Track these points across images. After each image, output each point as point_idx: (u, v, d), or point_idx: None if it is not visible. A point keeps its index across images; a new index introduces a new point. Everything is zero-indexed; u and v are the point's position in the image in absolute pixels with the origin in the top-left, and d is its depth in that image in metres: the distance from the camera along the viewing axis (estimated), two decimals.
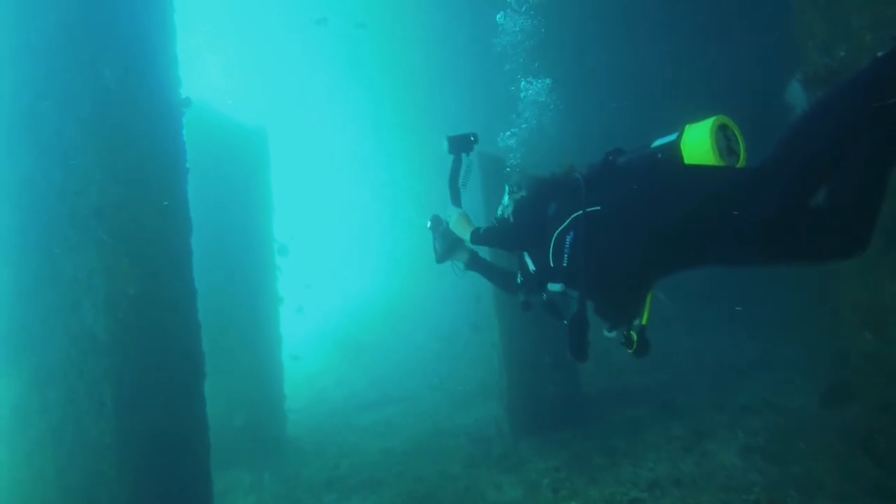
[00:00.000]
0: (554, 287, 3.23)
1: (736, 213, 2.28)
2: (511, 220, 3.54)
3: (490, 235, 3.53)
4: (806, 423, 5.20)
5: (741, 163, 2.53)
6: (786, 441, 4.90)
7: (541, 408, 7.08)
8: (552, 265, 3.12)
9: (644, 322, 2.96)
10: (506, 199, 3.64)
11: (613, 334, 3.02)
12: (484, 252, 4.09)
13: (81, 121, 4.18)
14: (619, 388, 7.78)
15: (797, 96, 5.14)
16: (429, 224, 3.92)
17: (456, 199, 3.71)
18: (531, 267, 3.36)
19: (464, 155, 3.66)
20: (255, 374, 7.90)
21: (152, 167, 4.66)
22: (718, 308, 8.94)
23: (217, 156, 7.30)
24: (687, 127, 2.62)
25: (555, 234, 3.04)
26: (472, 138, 3.61)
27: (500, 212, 3.70)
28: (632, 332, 2.95)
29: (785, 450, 4.77)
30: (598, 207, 2.84)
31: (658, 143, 2.75)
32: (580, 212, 2.87)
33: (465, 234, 3.63)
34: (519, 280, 3.59)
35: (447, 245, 3.81)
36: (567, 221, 2.98)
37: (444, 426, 7.96)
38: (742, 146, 2.56)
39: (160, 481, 4.42)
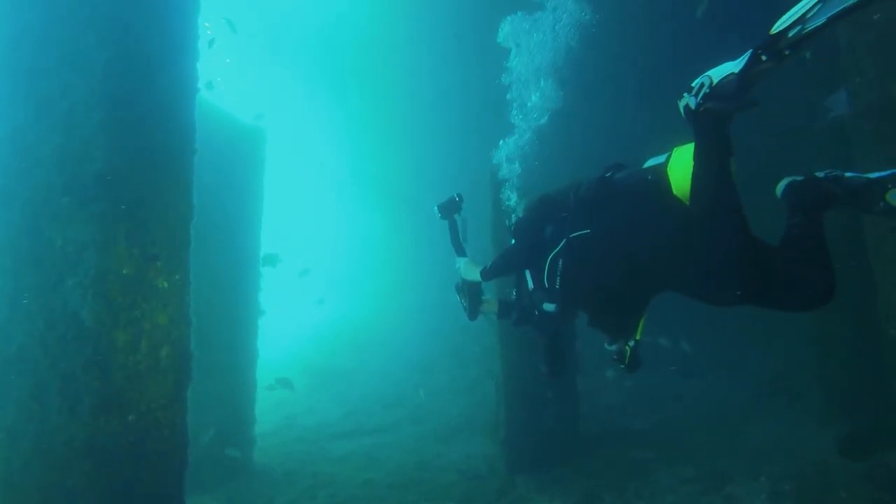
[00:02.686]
0: (548, 307, 3.36)
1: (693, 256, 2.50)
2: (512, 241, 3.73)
3: (495, 268, 3.71)
4: (829, 469, 4.97)
5: None
6: (817, 488, 4.64)
7: (539, 444, 6.67)
8: (546, 286, 3.26)
9: (638, 338, 3.11)
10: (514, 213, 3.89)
11: (613, 347, 3.19)
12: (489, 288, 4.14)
13: (93, 78, 3.72)
14: (617, 429, 7.46)
15: (841, 105, 5.17)
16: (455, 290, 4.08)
17: (460, 251, 3.94)
18: (530, 284, 3.49)
19: (456, 214, 3.94)
20: (228, 388, 7.22)
21: (162, 141, 4.21)
22: (711, 351, 8.83)
23: (209, 149, 6.84)
24: (675, 150, 2.69)
25: (549, 257, 3.19)
26: (457, 198, 3.91)
27: (508, 224, 3.91)
28: (626, 347, 3.11)
29: (821, 497, 4.50)
30: (588, 231, 2.99)
31: (650, 163, 2.86)
32: (571, 236, 3.05)
33: (475, 276, 3.80)
34: (514, 295, 3.78)
35: (473, 300, 3.91)
36: (560, 245, 3.13)
37: (430, 460, 7.40)
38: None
39: (131, 500, 3.78)
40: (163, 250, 4.21)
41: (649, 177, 2.77)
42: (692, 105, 2.40)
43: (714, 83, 2.32)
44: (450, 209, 3.94)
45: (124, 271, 3.82)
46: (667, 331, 8.58)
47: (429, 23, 13.29)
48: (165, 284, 4.26)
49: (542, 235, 3.33)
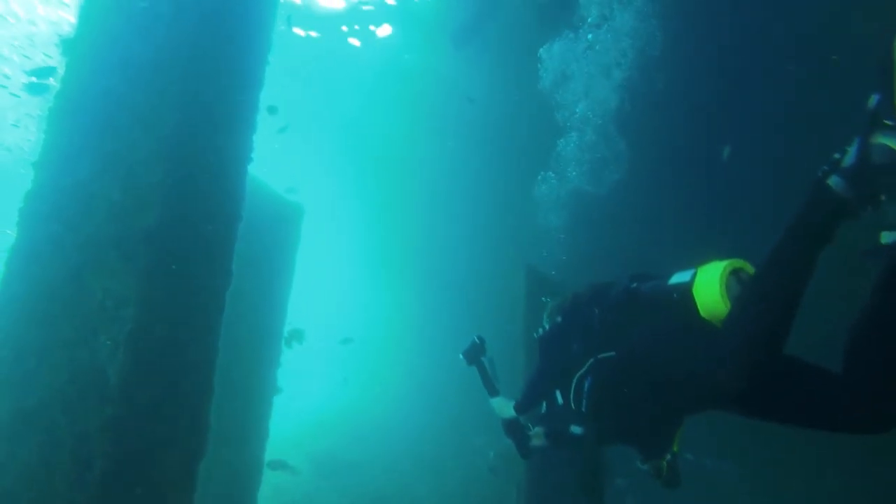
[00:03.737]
0: (576, 430, 3.35)
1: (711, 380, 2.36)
2: (539, 353, 3.66)
3: (526, 399, 3.66)
4: None
5: None
6: None
7: None
8: (573, 407, 3.20)
9: (675, 450, 3.00)
10: (544, 325, 3.75)
11: (646, 466, 3.05)
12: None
13: (159, 140, 3.83)
14: None
15: None
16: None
17: (493, 392, 3.92)
18: (559, 400, 3.43)
19: (482, 357, 3.95)
20: (233, 468, 6.79)
21: (212, 206, 4.26)
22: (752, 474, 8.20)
23: (249, 219, 6.92)
24: (699, 270, 2.64)
25: (575, 378, 3.14)
26: (478, 341, 3.95)
27: (536, 335, 3.77)
28: (662, 463, 2.98)
29: None
30: (613, 353, 2.92)
31: (675, 279, 2.78)
32: (597, 357, 3.00)
33: (510, 413, 3.75)
34: (543, 409, 3.71)
35: (519, 437, 3.83)
36: (586, 366, 3.08)
37: None
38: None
39: None
40: (196, 315, 4.13)
41: (675, 295, 2.70)
42: (819, 177, 2.08)
43: (862, 150, 1.94)
44: (475, 354, 3.94)
45: (157, 331, 3.70)
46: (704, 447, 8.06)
47: (458, 108, 13.79)
48: (195, 350, 4.13)
49: (567, 353, 3.27)
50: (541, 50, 8.72)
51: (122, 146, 3.82)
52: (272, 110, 4.97)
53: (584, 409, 3.13)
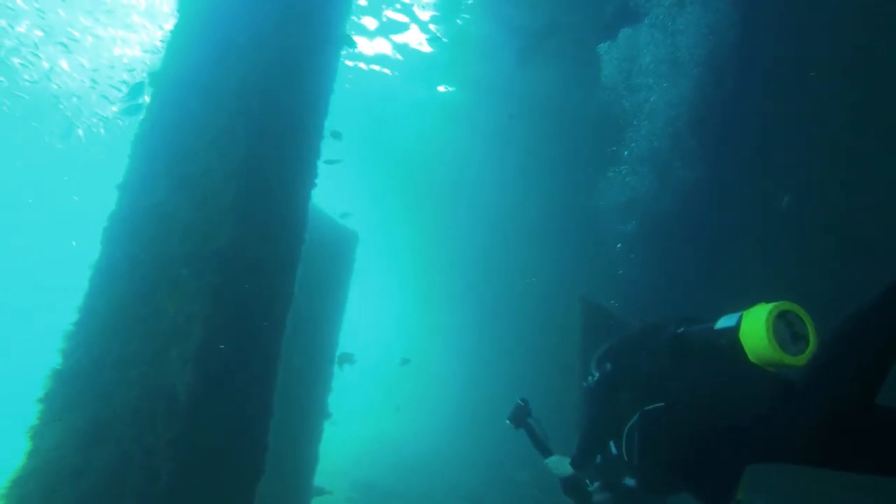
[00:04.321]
0: (629, 482, 3.21)
1: (786, 433, 2.20)
2: (591, 399, 3.59)
3: (581, 454, 3.57)
4: None
5: (811, 348, 2.41)
6: None
7: None
8: (626, 458, 3.09)
9: (740, 499, 2.75)
10: (592, 375, 3.67)
11: None
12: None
13: (231, 163, 3.99)
14: None
15: None
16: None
17: (546, 453, 3.84)
18: (613, 450, 3.31)
19: (529, 418, 3.88)
20: (283, 492, 6.78)
21: (277, 229, 4.38)
22: None
23: (309, 244, 7.09)
24: (745, 314, 2.55)
25: (625, 430, 3.04)
26: (522, 403, 3.89)
27: (585, 384, 3.70)
28: None
29: None
30: (662, 404, 2.83)
31: (721, 324, 2.69)
32: (645, 409, 2.91)
33: (567, 470, 3.64)
34: (598, 460, 3.56)
35: (579, 496, 3.71)
36: (634, 418, 2.99)
37: None
38: (811, 331, 2.44)
39: None
40: (259, 335, 4.21)
41: (722, 340, 2.62)
42: None
43: None
44: (521, 416, 3.87)
45: (223, 349, 3.79)
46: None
47: (508, 130, 13.75)
48: (257, 370, 4.20)
49: (616, 402, 3.20)
50: (600, 46, 8.68)
51: (198, 170, 3.99)
52: (336, 135, 5.12)
53: (635, 462, 3.03)
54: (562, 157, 12.13)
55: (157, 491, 3.32)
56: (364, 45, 14.32)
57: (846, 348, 2.09)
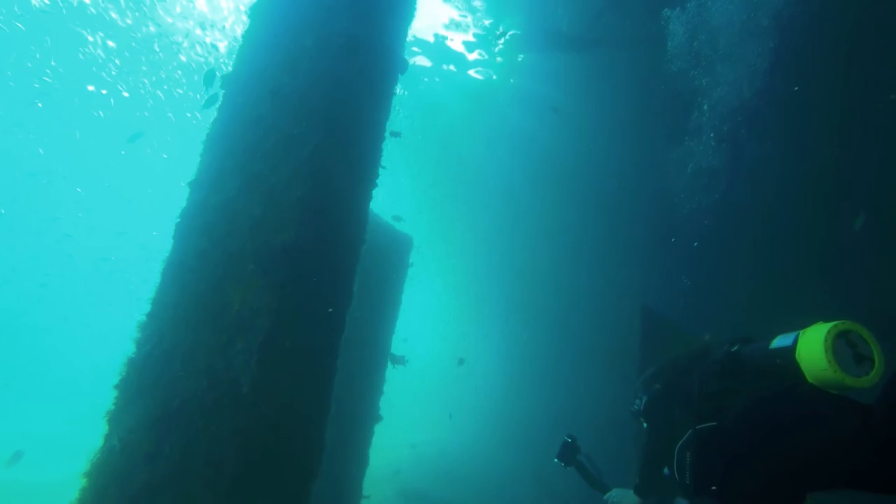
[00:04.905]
0: (681, 502, 3.13)
1: (859, 461, 2.09)
2: (644, 422, 3.53)
3: (645, 478, 3.46)
4: None
5: (876, 369, 2.29)
6: None
7: None
8: (677, 478, 3.03)
9: None
10: (641, 398, 3.64)
11: None
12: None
13: (299, 161, 4.06)
14: None
15: None
16: None
17: (603, 489, 3.76)
18: (665, 472, 3.26)
19: (578, 455, 3.82)
20: (334, 494, 6.82)
21: (340, 227, 4.43)
22: None
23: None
24: (801, 335, 2.45)
25: (676, 449, 3.00)
26: (570, 440, 3.82)
27: (635, 406, 3.68)
28: None
29: None
30: (714, 423, 2.76)
31: (777, 343, 2.59)
32: (697, 428, 2.85)
33: (632, 500, 3.54)
34: (665, 472, 3.40)
35: None
36: (686, 436, 2.94)
37: None
38: (876, 352, 2.31)
39: None
40: (320, 331, 4.25)
41: (778, 360, 2.53)
42: None
43: None
44: (570, 454, 3.81)
45: (285, 344, 3.83)
46: None
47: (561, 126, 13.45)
48: (317, 367, 4.24)
49: (671, 422, 3.14)
50: (665, 10, 8.33)
51: (267, 167, 4.09)
52: (395, 135, 5.17)
53: (687, 482, 2.95)
54: (626, 144, 11.65)
55: (221, 480, 3.38)
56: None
57: None
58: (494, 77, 14.65)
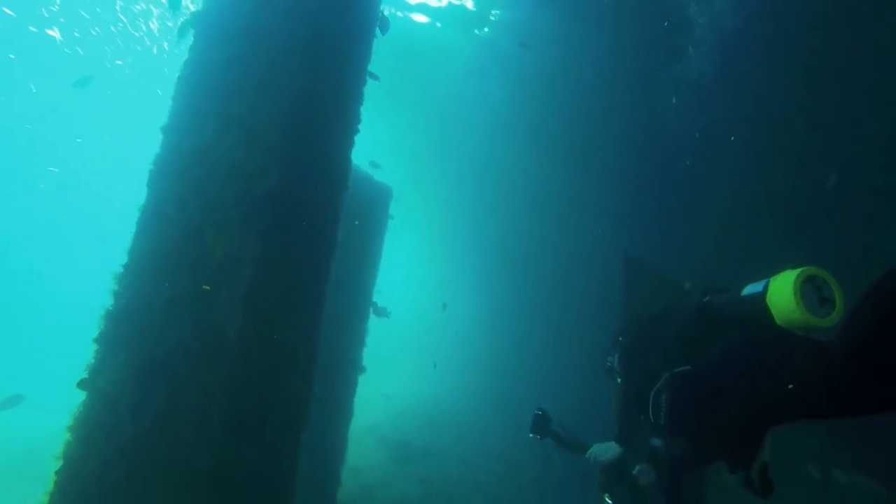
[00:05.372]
0: (655, 442, 3.35)
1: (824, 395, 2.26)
2: (619, 372, 3.66)
3: (622, 426, 3.57)
4: None
5: (838, 310, 2.48)
6: None
7: None
8: (652, 420, 3.18)
9: (765, 459, 2.85)
10: (613, 355, 3.77)
11: (733, 476, 2.93)
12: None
13: (279, 104, 3.87)
14: None
15: None
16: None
17: (581, 449, 3.82)
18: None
19: (551, 425, 3.86)
20: (320, 445, 6.88)
21: (323, 173, 4.29)
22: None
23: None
24: (771, 281, 2.61)
25: (652, 393, 3.14)
26: (540, 413, 3.87)
27: (608, 363, 3.82)
28: (751, 473, 2.85)
29: None
30: (689, 367, 2.93)
31: (748, 291, 2.74)
32: (673, 371, 3.00)
33: (614, 451, 3.62)
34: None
35: (627, 482, 3.69)
36: (662, 381, 3.07)
37: None
38: (837, 295, 2.50)
39: None
40: (305, 280, 4.16)
41: (749, 307, 2.69)
42: None
43: None
44: (543, 426, 3.84)
45: (270, 292, 3.75)
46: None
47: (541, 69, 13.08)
48: (303, 315, 4.17)
49: (646, 369, 3.28)
50: None
51: (245, 109, 3.89)
52: (373, 77, 4.98)
53: (661, 423, 3.11)
54: (608, 78, 11.35)
55: (210, 431, 3.34)
56: None
57: (884, 302, 2.10)
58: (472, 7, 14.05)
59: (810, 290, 2.48)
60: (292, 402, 4.08)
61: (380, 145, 19.26)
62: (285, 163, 3.80)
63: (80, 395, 3.60)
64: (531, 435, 3.87)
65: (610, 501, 3.66)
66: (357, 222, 6.50)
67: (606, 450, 3.62)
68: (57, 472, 3.41)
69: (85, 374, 3.62)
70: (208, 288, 3.50)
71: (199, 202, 3.82)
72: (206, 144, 3.93)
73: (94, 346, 3.71)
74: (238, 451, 3.46)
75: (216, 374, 3.43)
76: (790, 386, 2.38)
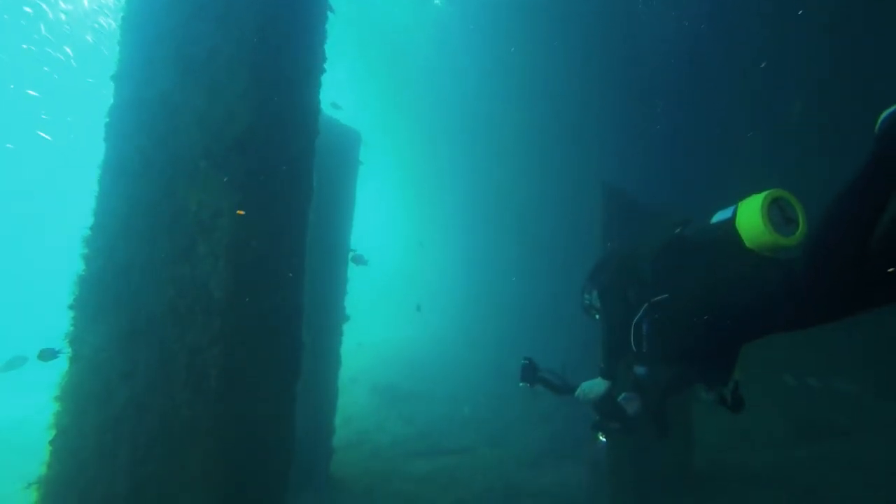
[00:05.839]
0: (639, 370, 3.50)
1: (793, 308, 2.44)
2: (599, 309, 3.76)
3: (607, 360, 3.69)
4: None
5: (801, 229, 2.63)
6: None
7: (650, 476, 6.05)
8: (635, 350, 3.31)
9: (737, 378, 3.08)
10: (590, 293, 3.88)
11: (710, 395, 3.18)
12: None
13: (241, 44, 3.59)
14: (729, 467, 6.72)
15: None
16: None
17: (570, 390, 3.89)
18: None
19: (538, 372, 3.91)
20: (311, 395, 6.92)
21: (294, 115, 4.07)
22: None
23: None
24: (740, 205, 2.75)
25: (633, 323, 3.26)
26: (528, 362, 3.94)
27: (585, 301, 3.93)
28: (724, 392, 3.09)
29: None
30: (666, 295, 3.05)
31: (717, 218, 2.90)
32: (651, 300, 3.12)
33: (601, 386, 3.72)
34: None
35: (618, 415, 3.77)
36: (641, 311, 3.21)
37: (519, 484, 6.85)
38: (801, 215, 2.65)
39: (245, 486, 3.47)
40: (285, 229, 4.02)
41: (719, 233, 2.82)
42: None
43: None
44: (532, 374, 3.90)
45: (253, 244, 3.60)
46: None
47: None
48: (286, 266, 4.05)
49: (625, 302, 3.39)
50: None
51: (203, 52, 3.60)
52: (329, 8, 4.68)
53: (644, 350, 3.23)
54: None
55: (208, 389, 3.27)
56: None
57: (840, 216, 2.26)
58: None
59: (776, 212, 2.62)
60: (285, 352, 4.02)
61: (342, 87, 18.47)
62: (254, 107, 3.57)
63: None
64: (521, 384, 3.93)
65: (603, 439, 3.87)
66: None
67: (594, 386, 3.72)
68: (51, 442, 3.31)
69: (65, 344, 3.46)
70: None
71: (165, 155, 3.59)
72: (165, 93, 3.65)
73: (71, 314, 3.54)
74: (237, 406, 3.41)
75: (207, 332, 3.33)
76: (759, 301, 2.55)
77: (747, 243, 2.68)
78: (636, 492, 6.02)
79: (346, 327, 7.77)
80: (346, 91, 18.60)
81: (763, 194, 2.66)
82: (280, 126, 3.83)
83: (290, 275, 4.10)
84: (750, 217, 2.65)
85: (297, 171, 4.09)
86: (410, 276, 21.08)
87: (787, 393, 7.53)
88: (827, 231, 2.30)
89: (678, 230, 3.19)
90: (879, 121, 2.16)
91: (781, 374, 7.53)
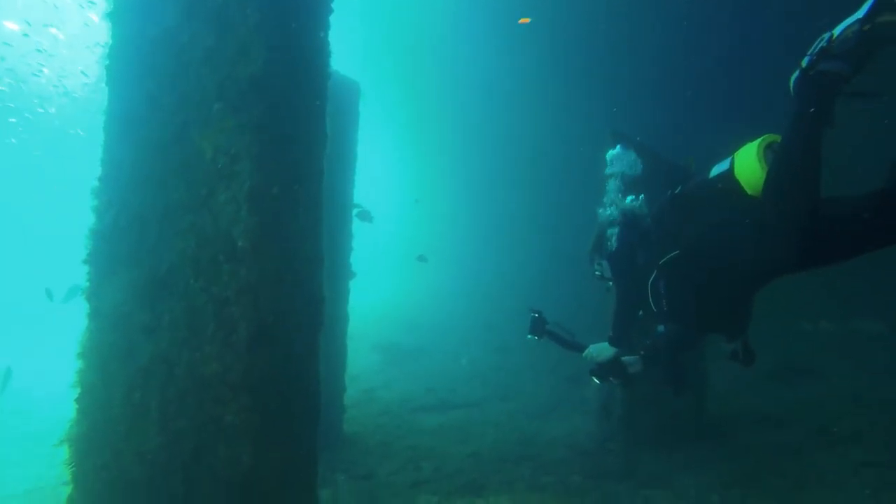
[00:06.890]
0: (660, 328, 3.61)
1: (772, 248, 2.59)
2: (610, 277, 3.84)
3: (617, 326, 3.76)
4: None
5: None
6: None
7: (663, 421, 6.12)
8: (654, 309, 3.40)
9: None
10: (599, 263, 3.95)
11: (732, 346, 3.25)
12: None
13: None
14: (745, 411, 6.83)
15: None
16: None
17: (579, 349, 3.99)
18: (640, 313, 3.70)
19: (547, 325, 4.03)
20: (324, 351, 6.84)
21: (307, 56, 3.84)
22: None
23: None
24: (736, 155, 2.83)
25: (649, 284, 3.35)
26: (536, 315, 4.05)
27: (597, 272, 3.98)
28: (736, 346, 3.19)
29: None
30: (677, 252, 3.14)
31: (715, 171, 2.96)
32: (664, 261, 3.22)
33: (609, 351, 3.83)
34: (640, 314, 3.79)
35: (621, 375, 3.86)
36: (655, 272, 3.30)
37: (531, 436, 6.93)
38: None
39: (278, 437, 3.40)
40: (304, 175, 3.84)
41: (720, 185, 2.89)
42: (804, 63, 2.33)
43: (834, 37, 2.25)
44: (540, 327, 4.01)
45: (274, 190, 3.42)
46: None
47: None
48: (305, 213, 3.88)
49: (636, 266, 3.48)
50: None
51: None
52: None
53: (664, 308, 3.31)
54: None
55: (238, 341, 3.14)
56: None
57: (785, 180, 2.43)
58: None
59: (771, 155, 2.67)
60: (308, 303, 3.90)
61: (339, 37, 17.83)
62: (268, 43, 3.33)
63: None
64: (529, 336, 4.08)
65: (597, 381, 3.97)
66: None
67: (601, 350, 3.85)
68: (77, 400, 3.19)
69: (83, 298, 3.30)
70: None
71: (174, 98, 3.35)
72: (170, 30, 3.38)
73: (86, 268, 3.36)
74: (267, 358, 3.30)
75: (234, 283, 3.18)
76: (763, 246, 2.62)
77: (748, 190, 2.72)
78: (650, 437, 6.09)
79: (352, 284, 7.65)
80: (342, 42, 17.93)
81: (757, 141, 2.73)
82: (293, 65, 3.60)
83: (310, 222, 3.94)
84: (748, 164, 2.70)
85: (312, 114, 3.89)
86: (410, 233, 20.84)
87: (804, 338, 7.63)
88: (778, 174, 2.47)
89: (678, 190, 3.26)
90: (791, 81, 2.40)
91: (797, 319, 7.61)
